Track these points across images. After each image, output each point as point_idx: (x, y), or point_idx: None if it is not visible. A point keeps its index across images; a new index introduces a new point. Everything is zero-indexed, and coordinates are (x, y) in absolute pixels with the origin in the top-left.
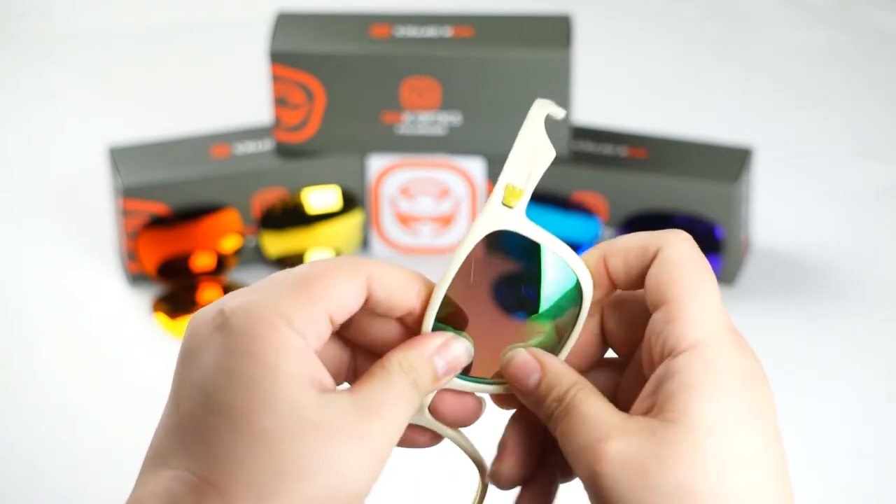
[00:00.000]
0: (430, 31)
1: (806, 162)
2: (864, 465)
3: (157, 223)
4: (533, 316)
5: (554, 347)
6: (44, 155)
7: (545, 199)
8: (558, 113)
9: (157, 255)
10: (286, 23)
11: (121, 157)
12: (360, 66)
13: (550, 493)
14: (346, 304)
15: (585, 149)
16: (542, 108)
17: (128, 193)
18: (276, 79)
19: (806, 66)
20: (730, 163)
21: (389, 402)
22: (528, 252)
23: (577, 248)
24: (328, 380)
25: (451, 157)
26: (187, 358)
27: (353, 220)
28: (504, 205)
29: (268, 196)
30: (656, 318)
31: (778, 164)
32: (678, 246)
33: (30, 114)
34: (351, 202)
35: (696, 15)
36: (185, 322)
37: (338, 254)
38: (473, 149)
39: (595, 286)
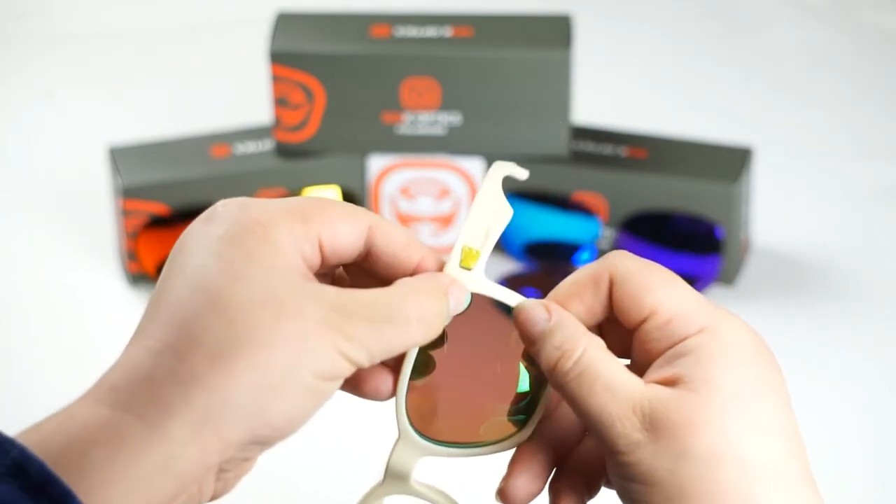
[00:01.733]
0: (430, 31)
1: (806, 162)
2: (865, 464)
3: (157, 223)
4: (507, 373)
5: (529, 404)
6: (44, 155)
7: (545, 199)
8: (520, 174)
9: (157, 255)
10: (286, 23)
11: (121, 157)
12: (360, 66)
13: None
14: (340, 240)
15: (585, 149)
16: (500, 170)
17: (128, 193)
18: (276, 79)
19: (806, 65)
20: (730, 163)
21: (380, 316)
22: (494, 309)
23: (577, 248)
24: (310, 277)
25: (451, 157)
26: (177, 247)
27: None
28: (462, 267)
29: (268, 196)
30: (651, 326)
31: (778, 164)
32: (626, 262)
33: (30, 114)
34: (351, 202)
35: (696, 15)
36: None
37: None
38: (473, 149)
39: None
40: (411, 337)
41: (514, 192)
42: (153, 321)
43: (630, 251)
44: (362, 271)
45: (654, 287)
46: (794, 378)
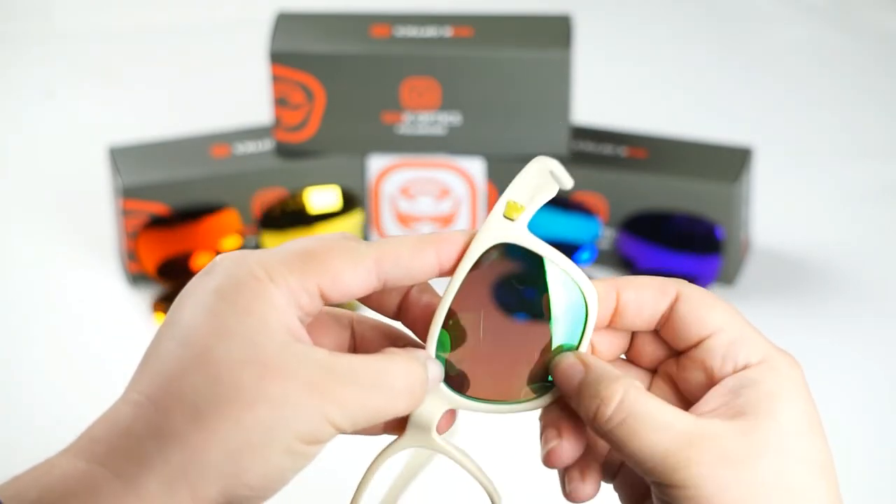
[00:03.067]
0: (430, 31)
1: (806, 162)
2: (865, 464)
3: (157, 223)
4: (540, 331)
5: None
6: (44, 155)
7: None
8: (566, 182)
9: (157, 255)
10: (286, 23)
11: (121, 157)
12: (360, 66)
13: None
14: (343, 285)
15: (585, 149)
16: (546, 163)
17: (128, 193)
18: (276, 79)
19: (806, 65)
20: (730, 163)
21: (368, 382)
22: (533, 267)
23: (577, 248)
24: (303, 337)
25: (451, 157)
26: (175, 303)
27: (353, 220)
28: (506, 217)
29: (268, 196)
30: (715, 344)
31: (778, 164)
32: (697, 289)
33: (30, 114)
34: (351, 202)
35: (696, 15)
36: None
37: None
38: (473, 149)
39: (604, 311)
40: (397, 405)
41: None
42: (141, 374)
43: (630, 251)
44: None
45: (720, 308)
46: None
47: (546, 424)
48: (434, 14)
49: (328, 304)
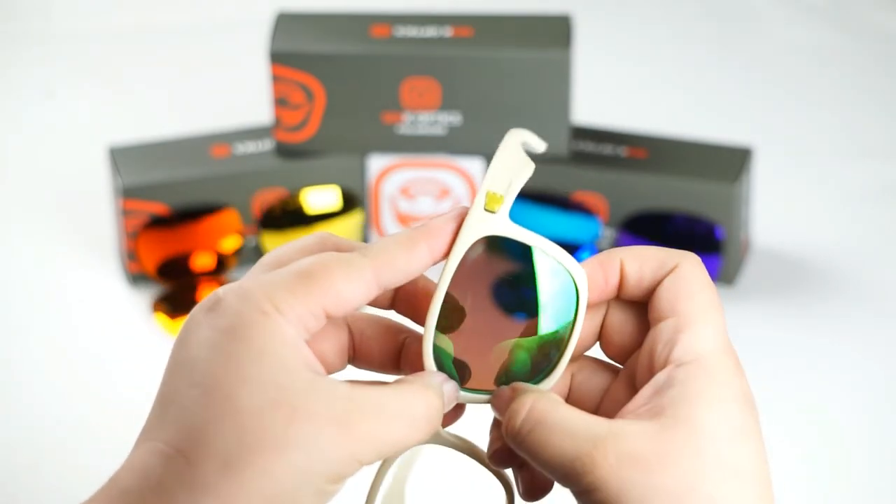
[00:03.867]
0: (430, 31)
1: (806, 162)
2: (865, 463)
3: (157, 223)
4: (532, 318)
5: (558, 345)
6: (44, 155)
7: (545, 199)
8: (537, 145)
9: (157, 255)
10: (286, 23)
11: (121, 157)
12: (360, 66)
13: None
14: (346, 302)
15: (585, 149)
16: (518, 136)
17: (128, 193)
18: (276, 79)
19: (806, 65)
20: (730, 163)
21: (390, 413)
22: (519, 256)
23: (576, 248)
24: (319, 368)
25: (451, 157)
26: (180, 339)
27: (353, 220)
28: (487, 210)
29: (268, 196)
30: (665, 327)
31: (778, 164)
32: (694, 268)
33: (30, 114)
34: (351, 202)
35: (696, 15)
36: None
37: None
38: (473, 149)
39: (606, 284)
40: (419, 434)
41: None
42: (162, 421)
43: None
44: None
45: (695, 297)
46: (794, 377)
47: (496, 424)
48: (434, 14)
49: (332, 318)
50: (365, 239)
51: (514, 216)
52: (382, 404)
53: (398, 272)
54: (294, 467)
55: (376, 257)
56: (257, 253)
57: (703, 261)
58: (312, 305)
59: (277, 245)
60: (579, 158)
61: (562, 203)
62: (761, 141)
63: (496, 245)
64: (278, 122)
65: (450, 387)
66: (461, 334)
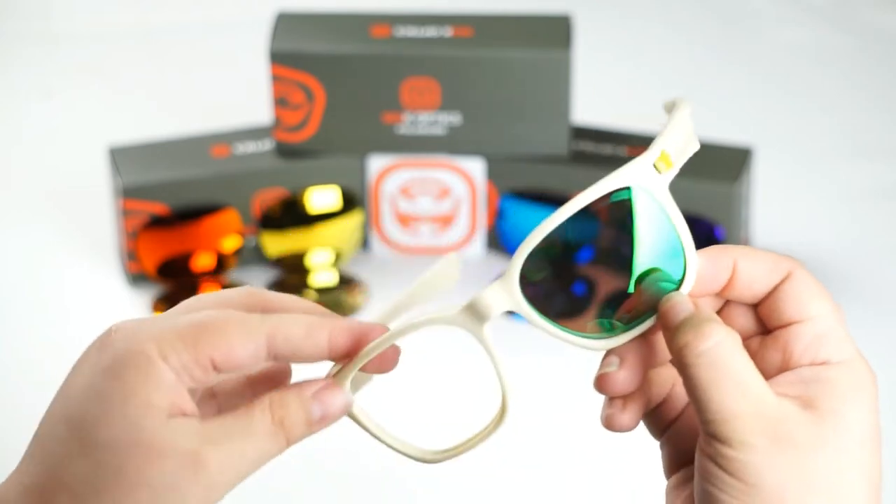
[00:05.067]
0: (430, 31)
1: (806, 162)
2: None
3: (157, 223)
4: (627, 281)
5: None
6: (44, 155)
7: (545, 198)
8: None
9: (157, 255)
10: (286, 23)
11: (121, 157)
12: (360, 66)
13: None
14: (236, 359)
15: (585, 149)
16: (688, 107)
17: (128, 193)
18: (276, 79)
19: (806, 66)
20: (730, 163)
21: (239, 434)
22: (653, 223)
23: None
24: (192, 410)
25: (451, 157)
26: (70, 372)
27: (353, 220)
28: (654, 167)
29: (268, 196)
30: (803, 330)
31: (778, 164)
32: (809, 274)
33: (30, 114)
34: (351, 202)
35: (696, 15)
36: None
37: (337, 255)
38: (473, 149)
39: (715, 281)
40: (270, 448)
41: (514, 191)
42: (31, 454)
43: None
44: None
45: (823, 298)
46: None
47: (610, 350)
48: (434, 14)
49: (222, 372)
50: (365, 239)
51: (514, 215)
52: (230, 428)
53: (290, 347)
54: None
55: (275, 327)
56: (257, 253)
57: None
58: (199, 356)
59: (277, 244)
60: (579, 158)
61: (562, 203)
62: (761, 141)
63: (640, 201)
64: (278, 122)
65: (328, 394)
66: (556, 263)
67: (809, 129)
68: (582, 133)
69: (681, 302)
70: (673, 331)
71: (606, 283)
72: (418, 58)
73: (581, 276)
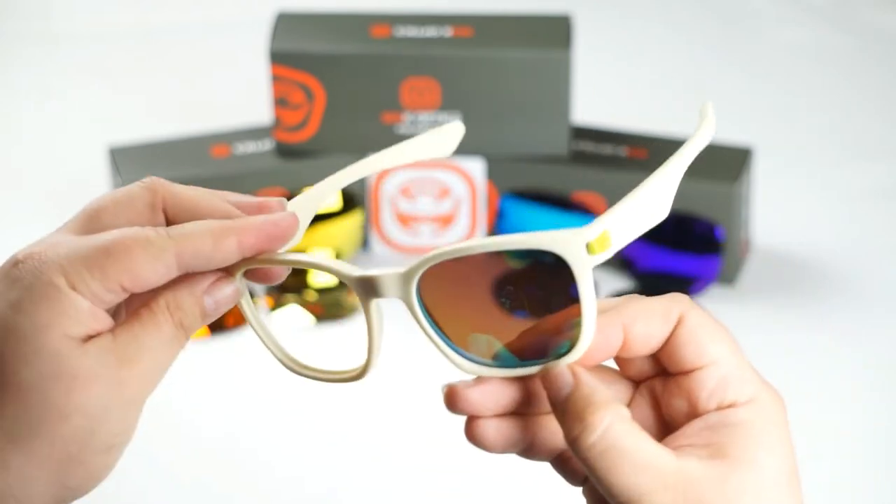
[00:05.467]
0: (430, 31)
1: (806, 162)
2: (865, 463)
3: None
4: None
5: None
6: (44, 155)
7: (545, 199)
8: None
9: None
10: (286, 23)
11: (121, 157)
12: (360, 66)
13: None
14: (144, 281)
15: (585, 149)
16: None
17: None
18: (276, 79)
19: (806, 66)
20: (730, 163)
21: (149, 346)
22: (566, 280)
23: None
24: (107, 325)
25: (451, 157)
26: None
27: (353, 220)
28: (587, 247)
29: (267, 195)
30: (706, 376)
31: (778, 164)
32: (698, 312)
33: (30, 114)
34: (351, 202)
35: (696, 15)
36: None
37: (337, 255)
38: (473, 149)
39: (608, 347)
40: (177, 350)
41: (514, 191)
42: None
43: (630, 251)
44: None
45: (718, 339)
46: (794, 378)
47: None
48: (434, 14)
49: (130, 292)
50: (365, 239)
51: (514, 215)
52: (141, 350)
53: (201, 260)
54: (77, 432)
55: (181, 241)
56: None
57: (703, 261)
58: (109, 283)
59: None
60: (579, 158)
61: (562, 203)
62: (761, 141)
63: (548, 265)
64: (278, 122)
65: (220, 286)
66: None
67: (809, 129)
68: (582, 133)
69: (560, 374)
70: (558, 412)
71: (501, 321)
72: (418, 58)
73: (482, 302)
